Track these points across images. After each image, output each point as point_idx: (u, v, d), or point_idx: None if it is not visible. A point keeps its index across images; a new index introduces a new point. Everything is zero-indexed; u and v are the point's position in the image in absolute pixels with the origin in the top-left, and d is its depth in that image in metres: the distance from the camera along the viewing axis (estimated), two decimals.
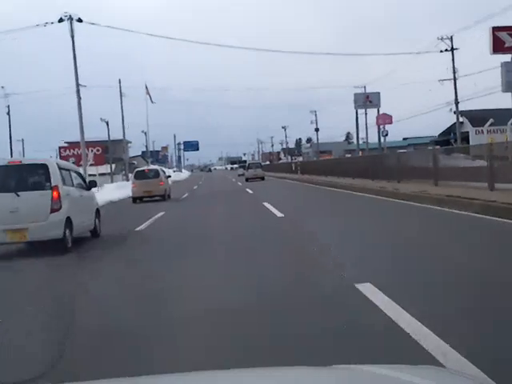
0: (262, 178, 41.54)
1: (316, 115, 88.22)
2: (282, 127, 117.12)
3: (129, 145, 65.63)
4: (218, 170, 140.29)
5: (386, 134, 58.93)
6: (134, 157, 65.96)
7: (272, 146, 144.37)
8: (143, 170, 29.03)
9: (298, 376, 1.88)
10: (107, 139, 53.94)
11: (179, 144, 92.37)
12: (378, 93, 70.43)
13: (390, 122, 60.09)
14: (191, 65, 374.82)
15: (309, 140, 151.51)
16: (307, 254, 8.20)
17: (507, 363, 3.38)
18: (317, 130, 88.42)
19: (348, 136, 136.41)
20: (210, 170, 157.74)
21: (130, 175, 54.37)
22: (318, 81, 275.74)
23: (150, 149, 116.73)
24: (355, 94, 70.36)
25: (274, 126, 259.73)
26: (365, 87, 66.19)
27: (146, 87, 78.93)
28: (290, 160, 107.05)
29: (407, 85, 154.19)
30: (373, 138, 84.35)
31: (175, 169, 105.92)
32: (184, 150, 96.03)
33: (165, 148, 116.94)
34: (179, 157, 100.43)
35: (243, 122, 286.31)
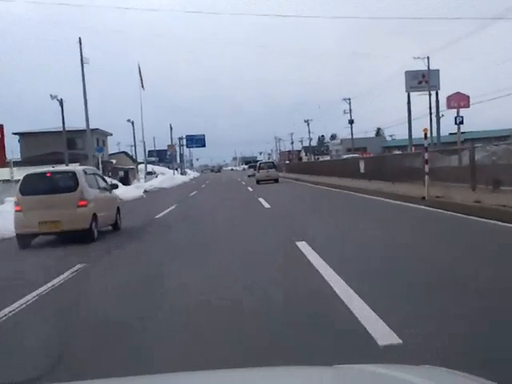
0: (276, 180, 35.27)
1: (350, 103, 71.78)
2: (305, 121, 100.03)
3: (108, 138, 49.80)
4: (235, 171, 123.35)
5: (461, 122, 42.14)
6: (114, 154, 50.17)
7: (292, 143, 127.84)
8: (42, 174, 12.67)
9: (297, 376, 1.90)
10: (81, 129, 38.00)
11: (181, 139, 76.18)
12: (437, 70, 54.26)
13: (467, 105, 43.42)
14: (202, 58, 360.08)
15: (333, 137, 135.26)
16: None
17: None
18: (351, 121, 71.84)
19: (378, 132, 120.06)
20: (218, 171, 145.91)
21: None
22: (342, 71, 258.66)
23: (150, 148, 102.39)
24: (407, 73, 54.70)
25: (292, 124, 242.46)
26: (428, 58, 49.44)
27: (139, 69, 64.23)
28: (312, 159, 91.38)
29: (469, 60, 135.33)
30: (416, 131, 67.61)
31: (183, 170, 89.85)
32: (187, 146, 79.00)
33: (171, 146, 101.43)
34: (181, 155, 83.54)
35: (260, 118, 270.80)
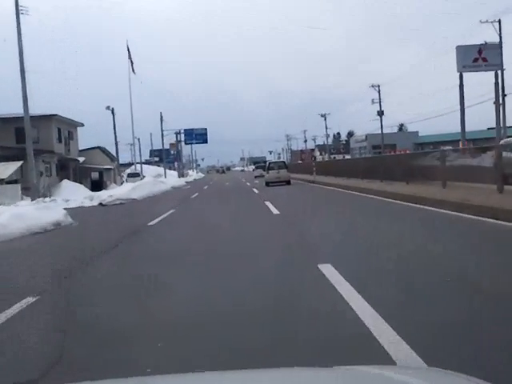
0: (288, 182, 31.23)
1: (379, 92, 60.26)
2: (321, 115, 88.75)
3: (78, 129, 38.60)
4: (244, 172, 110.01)
5: None
6: (85, 150, 39.06)
7: (305, 141, 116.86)
8: None
9: (297, 377, 1.89)
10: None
11: (178, 134, 64.39)
12: (497, 44, 42.86)
13: None
14: (212, 50, 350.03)
15: (350, 134, 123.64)
16: None
17: None
18: (381, 113, 60.41)
19: (401, 128, 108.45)
20: (223, 172, 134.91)
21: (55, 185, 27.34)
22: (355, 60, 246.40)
23: (150, 147, 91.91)
24: (459, 49, 43.83)
25: (304, 122, 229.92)
26: (499, 22, 38.15)
27: (128, 50, 53.69)
28: (327, 158, 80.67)
29: None
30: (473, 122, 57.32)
31: (181, 171, 78.78)
32: (186, 143, 67.22)
33: (173, 145, 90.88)
34: (178, 152, 71.80)
35: (269, 116, 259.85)
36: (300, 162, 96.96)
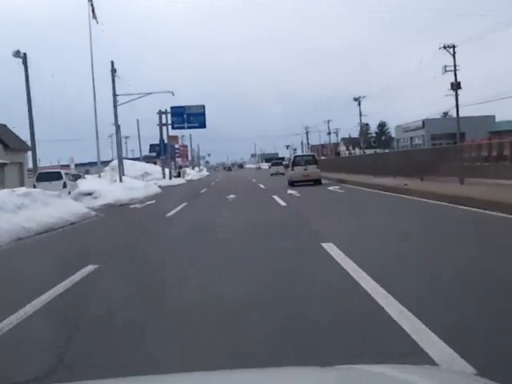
0: (318, 182, 26.36)
1: (454, 55, 41.56)
2: (355, 99, 70.28)
3: None
4: (262, 171, 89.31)
5: None
6: None
7: (329, 133, 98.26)
8: None
9: (298, 376, 1.89)
10: None
11: (164, 113, 43.98)
12: None
13: None
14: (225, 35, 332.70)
15: (382, 125, 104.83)
16: None
17: None
18: (456, 85, 41.75)
19: (446, 116, 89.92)
20: (230, 169, 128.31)
21: None
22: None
23: (152, 141, 75.16)
24: None
25: (317, 117, 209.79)
26: None
27: None
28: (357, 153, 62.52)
29: None
30: None
31: (168, 169, 60.57)
32: (174, 128, 45.98)
33: (174, 138, 73.28)
34: (164, 142, 52.11)
35: (283, 110, 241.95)
36: (323, 157, 79.48)
